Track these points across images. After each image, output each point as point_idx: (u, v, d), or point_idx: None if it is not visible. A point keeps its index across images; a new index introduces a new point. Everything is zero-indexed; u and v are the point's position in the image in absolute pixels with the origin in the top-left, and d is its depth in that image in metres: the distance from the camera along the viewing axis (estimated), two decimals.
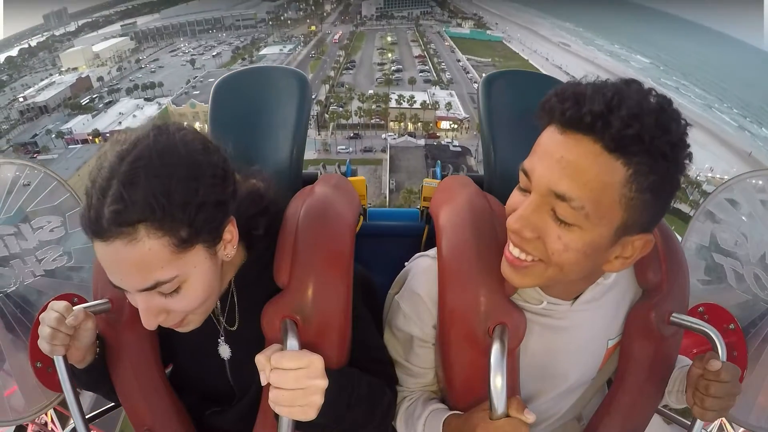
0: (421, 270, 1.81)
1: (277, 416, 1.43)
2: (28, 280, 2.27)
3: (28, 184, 2.28)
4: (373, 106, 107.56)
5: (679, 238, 1.99)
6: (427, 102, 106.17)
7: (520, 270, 1.45)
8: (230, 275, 1.70)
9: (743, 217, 2.27)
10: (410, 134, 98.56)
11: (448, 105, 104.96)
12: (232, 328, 1.76)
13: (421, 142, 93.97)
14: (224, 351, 1.79)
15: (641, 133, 1.17)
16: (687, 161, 1.27)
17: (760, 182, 2.28)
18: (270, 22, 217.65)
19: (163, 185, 1.27)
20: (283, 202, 1.80)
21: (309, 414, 1.40)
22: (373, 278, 2.16)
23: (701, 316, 2.19)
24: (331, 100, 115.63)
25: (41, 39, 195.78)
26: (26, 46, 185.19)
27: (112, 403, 2.05)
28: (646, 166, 1.20)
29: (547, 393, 1.82)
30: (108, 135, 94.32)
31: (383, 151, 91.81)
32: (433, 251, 1.83)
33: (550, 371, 1.75)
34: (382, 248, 2.61)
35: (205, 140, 1.43)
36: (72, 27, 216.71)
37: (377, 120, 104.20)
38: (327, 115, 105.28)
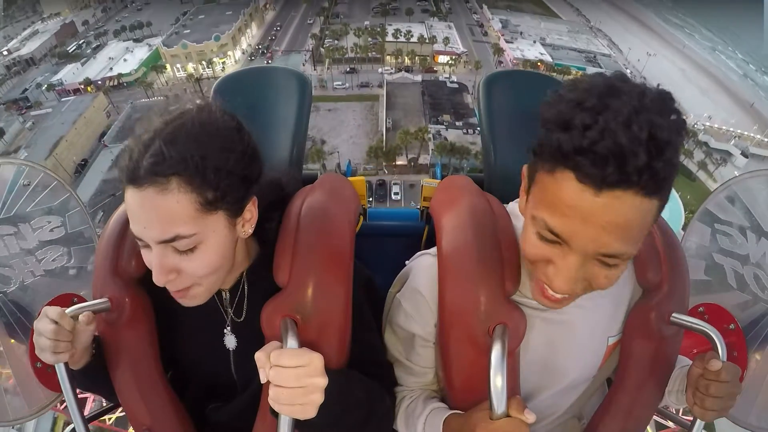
0: (423, 268, 1.81)
1: (276, 415, 1.43)
2: (28, 280, 2.28)
3: (28, 184, 2.29)
4: (369, 41, 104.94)
5: (680, 238, 1.99)
6: (425, 36, 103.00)
7: (563, 302, 1.47)
8: (243, 268, 1.74)
9: (743, 217, 2.27)
10: (407, 69, 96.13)
11: (446, 39, 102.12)
12: (240, 319, 1.79)
13: (418, 78, 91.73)
14: (230, 341, 1.82)
15: (677, 165, 1.16)
16: None
17: (760, 182, 2.28)
18: None
19: (200, 148, 1.40)
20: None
21: (309, 412, 1.41)
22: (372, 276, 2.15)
23: (701, 316, 2.20)
24: (326, 33, 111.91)
25: None
26: None
27: (113, 403, 2.06)
28: (669, 190, 1.20)
29: (547, 389, 1.82)
30: (100, 82, 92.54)
31: (380, 86, 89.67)
32: (434, 250, 1.82)
33: (550, 366, 1.76)
34: (382, 248, 2.62)
35: (240, 124, 1.55)
36: None
37: (374, 54, 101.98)
38: (323, 50, 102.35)
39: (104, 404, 2.18)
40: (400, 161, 66.65)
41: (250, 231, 1.61)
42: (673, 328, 1.68)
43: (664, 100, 1.18)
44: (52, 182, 2.34)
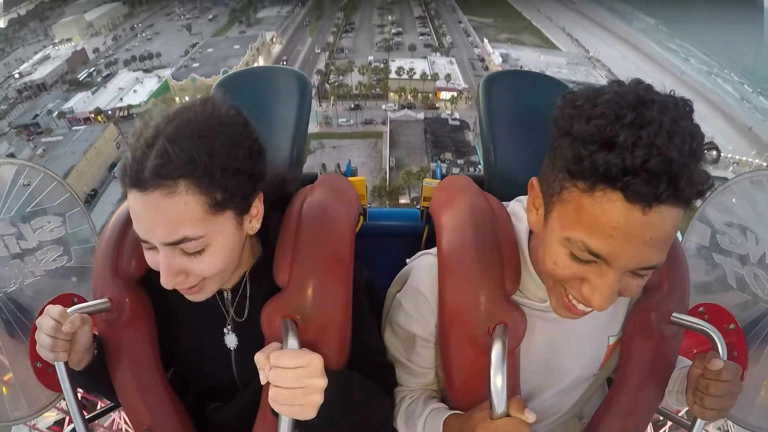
0: (424, 268, 1.81)
1: (276, 415, 1.43)
2: (28, 280, 2.27)
3: (28, 184, 2.28)
4: (373, 78, 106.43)
5: (680, 238, 1.99)
6: (427, 74, 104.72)
7: (586, 313, 1.47)
8: (246, 267, 1.73)
9: (743, 217, 2.27)
10: (409, 106, 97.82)
11: (448, 76, 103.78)
12: (241, 319, 1.78)
13: (421, 115, 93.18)
14: (231, 340, 1.81)
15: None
16: None
17: (760, 182, 2.28)
18: None
19: (207, 146, 1.35)
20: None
21: (308, 413, 1.40)
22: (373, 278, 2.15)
23: (701, 316, 2.19)
24: (332, 68, 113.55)
25: (30, 7, 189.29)
26: (15, 16, 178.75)
27: (113, 403, 2.06)
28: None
29: (549, 389, 1.82)
30: (110, 112, 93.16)
31: (383, 123, 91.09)
32: (435, 250, 1.82)
33: (552, 366, 1.76)
34: (382, 248, 2.61)
35: (245, 119, 1.51)
36: None
37: (377, 90, 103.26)
38: (327, 85, 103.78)
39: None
40: (403, 200, 67.77)
41: (258, 226, 1.59)
42: (673, 327, 1.68)
43: (688, 104, 1.19)
44: (52, 182, 2.34)
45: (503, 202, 1.82)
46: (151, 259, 1.46)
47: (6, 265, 2.24)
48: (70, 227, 2.35)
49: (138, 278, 1.75)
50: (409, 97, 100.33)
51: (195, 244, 1.40)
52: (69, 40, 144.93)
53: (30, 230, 2.27)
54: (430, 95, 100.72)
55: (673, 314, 1.66)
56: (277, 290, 1.63)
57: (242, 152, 1.43)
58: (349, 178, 2.46)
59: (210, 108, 1.44)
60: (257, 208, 1.56)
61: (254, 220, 1.57)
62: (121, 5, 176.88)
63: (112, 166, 78.37)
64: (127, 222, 1.76)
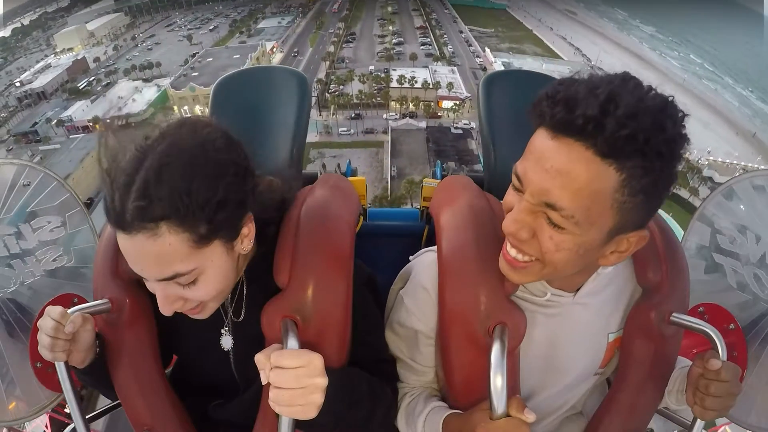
0: (427, 264, 1.81)
1: (277, 415, 1.43)
2: (29, 280, 2.28)
3: (28, 184, 2.29)
4: (374, 87, 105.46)
5: (680, 238, 1.99)
6: (429, 82, 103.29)
7: (518, 270, 1.48)
8: (242, 267, 1.72)
9: (743, 217, 2.27)
10: (411, 115, 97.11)
11: (450, 85, 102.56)
12: (238, 319, 1.78)
13: (423, 124, 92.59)
14: (226, 342, 1.81)
15: (636, 134, 1.14)
16: (685, 148, 1.24)
17: (760, 182, 2.28)
18: None
19: (187, 184, 1.31)
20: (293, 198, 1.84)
21: (309, 413, 1.41)
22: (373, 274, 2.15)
23: (701, 316, 2.19)
24: (332, 78, 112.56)
25: (34, 17, 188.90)
26: (19, 25, 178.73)
27: (113, 403, 2.05)
28: (640, 169, 1.18)
29: (549, 387, 1.82)
30: (108, 121, 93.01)
31: (384, 132, 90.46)
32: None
33: (553, 363, 1.76)
34: (382, 248, 2.61)
35: (228, 137, 1.46)
36: (65, 2, 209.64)
37: (378, 100, 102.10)
38: (328, 95, 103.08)
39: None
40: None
41: (250, 245, 1.58)
42: (673, 327, 1.68)
43: (640, 86, 1.24)
44: (52, 182, 2.34)
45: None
46: (151, 286, 1.48)
47: (6, 265, 2.25)
48: (70, 227, 2.35)
49: (138, 279, 1.74)
50: (410, 106, 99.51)
51: (187, 277, 1.41)
52: (70, 49, 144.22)
53: (30, 230, 2.27)
54: (432, 104, 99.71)
55: (673, 314, 1.66)
56: (274, 287, 1.64)
57: (226, 180, 1.39)
58: (349, 178, 2.47)
59: (190, 136, 1.39)
60: (248, 228, 1.54)
61: (246, 240, 1.55)
62: (123, 15, 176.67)
63: None
64: None
